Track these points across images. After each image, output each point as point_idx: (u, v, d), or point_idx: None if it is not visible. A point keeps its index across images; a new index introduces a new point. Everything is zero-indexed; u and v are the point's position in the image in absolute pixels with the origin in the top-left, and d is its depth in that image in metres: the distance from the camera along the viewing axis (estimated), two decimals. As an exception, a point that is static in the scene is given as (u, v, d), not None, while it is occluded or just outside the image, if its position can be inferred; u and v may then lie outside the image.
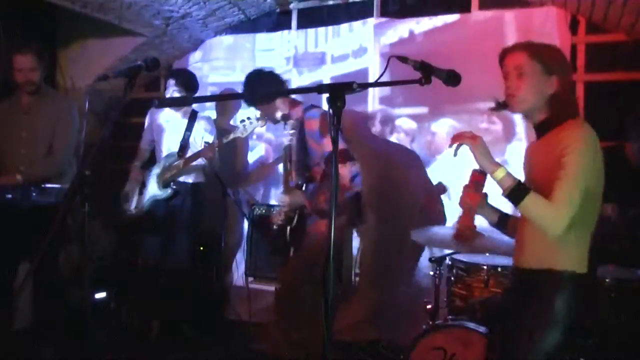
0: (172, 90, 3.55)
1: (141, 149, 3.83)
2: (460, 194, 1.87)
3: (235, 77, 4.28)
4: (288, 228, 3.04)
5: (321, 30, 4.24)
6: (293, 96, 3.16)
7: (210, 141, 3.60)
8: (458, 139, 1.76)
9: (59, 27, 4.12)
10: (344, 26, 4.17)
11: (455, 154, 1.77)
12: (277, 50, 4.35)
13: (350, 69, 4.14)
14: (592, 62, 3.47)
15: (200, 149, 3.56)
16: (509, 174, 1.71)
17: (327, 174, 2.92)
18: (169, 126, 3.73)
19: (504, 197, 1.73)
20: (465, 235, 1.86)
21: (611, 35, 3.45)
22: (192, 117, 3.69)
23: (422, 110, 3.90)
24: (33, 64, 3.25)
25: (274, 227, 3.11)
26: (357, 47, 4.11)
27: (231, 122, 4.32)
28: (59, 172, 3.34)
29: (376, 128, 3.99)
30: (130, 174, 3.75)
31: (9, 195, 3.17)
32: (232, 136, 3.32)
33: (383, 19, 4.03)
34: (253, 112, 3.30)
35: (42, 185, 3.25)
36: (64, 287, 3.58)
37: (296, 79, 4.26)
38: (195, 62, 4.57)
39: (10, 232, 3.19)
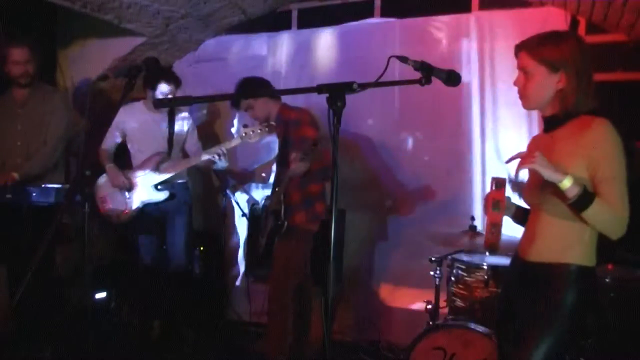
0: (169, 91, 3.46)
1: (105, 150, 3.55)
2: (485, 214, 1.92)
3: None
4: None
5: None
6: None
7: (196, 138, 3.70)
8: (521, 165, 1.70)
9: (58, 27, 4.11)
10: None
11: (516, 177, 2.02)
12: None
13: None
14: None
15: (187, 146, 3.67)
16: (574, 183, 1.63)
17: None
18: (145, 126, 3.58)
19: (568, 205, 1.66)
20: (493, 247, 1.90)
21: (611, 35, 3.44)
22: (172, 115, 3.62)
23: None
24: (29, 56, 3.34)
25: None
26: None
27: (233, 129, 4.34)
28: (52, 163, 3.39)
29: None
30: (109, 177, 3.49)
31: (9, 195, 3.18)
32: (240, 142, 3.28)
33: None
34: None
35: (42, 185, 3.26)
36: (64, 287, 3.58)
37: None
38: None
39: (10, 232, 3.19)
